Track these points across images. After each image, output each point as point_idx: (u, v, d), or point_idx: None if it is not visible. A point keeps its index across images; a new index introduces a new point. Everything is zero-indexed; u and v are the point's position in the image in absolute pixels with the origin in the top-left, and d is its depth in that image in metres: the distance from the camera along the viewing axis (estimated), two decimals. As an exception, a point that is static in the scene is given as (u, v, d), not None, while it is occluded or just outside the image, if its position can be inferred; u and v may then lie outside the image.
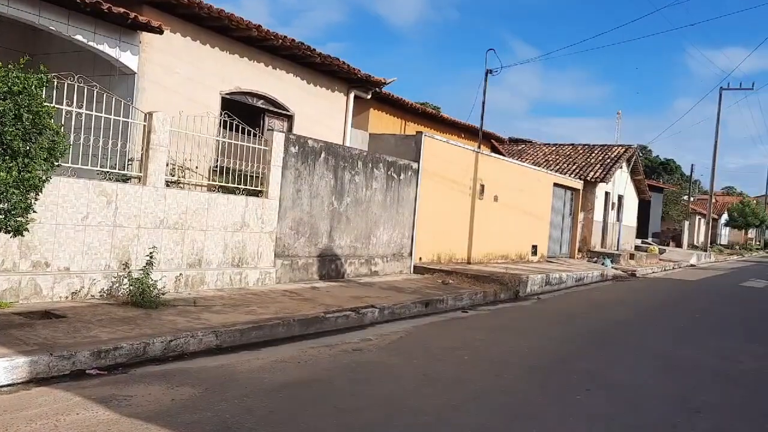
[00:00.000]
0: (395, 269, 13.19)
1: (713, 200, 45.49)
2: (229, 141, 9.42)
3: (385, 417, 4.72)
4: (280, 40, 11.11)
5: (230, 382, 5.26)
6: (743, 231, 68.12)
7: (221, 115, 9.49)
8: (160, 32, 8.93)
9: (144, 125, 8.09)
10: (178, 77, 9.96)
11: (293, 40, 11.33)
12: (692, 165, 63.07)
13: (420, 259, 13.98)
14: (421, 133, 13.88)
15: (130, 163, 8.24)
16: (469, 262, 15.86)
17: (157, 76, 9.58)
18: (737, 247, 61.12)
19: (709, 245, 44.77)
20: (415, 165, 13.55)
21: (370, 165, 12.24)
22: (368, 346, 7.11)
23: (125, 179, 8.13)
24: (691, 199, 54.93)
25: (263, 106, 11.91)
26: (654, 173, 71.85)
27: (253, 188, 9.78)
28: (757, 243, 72.75)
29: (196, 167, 9.05)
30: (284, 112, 12.33)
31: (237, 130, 9.39)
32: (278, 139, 10.10)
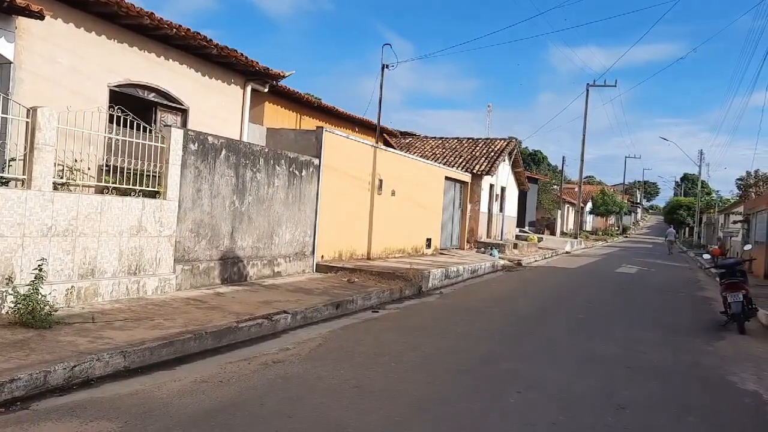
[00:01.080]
0: (298, 269, 12.83)
1: (578, 189, 48.59)
2: (123, 138, 8.64)
3: (331, 440, 4.47)
4: (174, 29, 10.36)
5: (151, 412, 4.77)
6: (605, 218, 73.69)
7: (112, 109, 8.66)
8: (41, 17, 7.98)
9: (27, 122, 7.19)
10: (61, 68, 8.99)
11: (188, 29, 10.60)
12: (563, 157, 67.30)
13: (322, 257, 13.70)
14: (322, 128, 13.57)
15: (10, 164, 7.31)
16: (369, 258, 15.79)
17: (37, 67, 8.59)
18: (600, 232, 65.86)
19: (578, 232, 47.92)
20: (316, 161, 13.22)
21: (272, 162, 11.78)
22: (289, 357, 6.79)
23: (5, 182, 7.21)
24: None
25: (155, 100, 11.08)
26: (524, 164, 75.91)
27: (150, 189, 9.06)
28: (616, 228, 78.90)
29: (89, 168, 8.22)
30: (178, 106, 11.56)
31: (130, 126, 8.63)
32: (176, 136, 9.43)
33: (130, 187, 8.76)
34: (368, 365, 6.64)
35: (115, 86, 10.07)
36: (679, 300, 15.02)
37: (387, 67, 16.60)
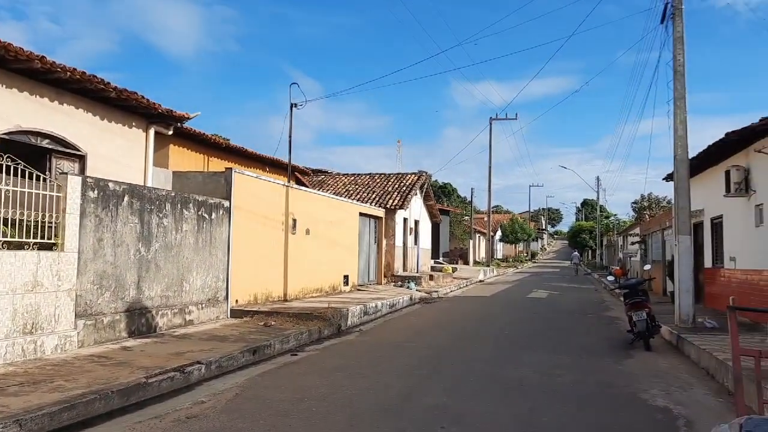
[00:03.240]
0: (211, 316, 12.37)
1: (487, 219, 50.08)
2: (13, 188, 8.09)
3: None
4: (69, 73, 9.91)
5: (52, 486, 4.37)
6: (514, 245, 76.19)
7: (0, 158, 8.11)
8: None
9: None
10: (-59, 115, 8.37)
11: (84, 72, 10.17)
12: (472, 189, 69.42)
13: (237, 301, 13.29)
14: (231, 169, 13.29)
15: None
16: (286, 299, 15.47)
17: None
18: (511, 260, 67.96)
19: (490, 260, 49.20)
20: (226, 203, 12.91)
21: (179, 206, 11.38)
22: (204, 411, 6.46)
23: None
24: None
25: (50, 147, 10.50)
26: (435, 196, 77.53)
27: (46, 241, 8.50)
28: (526, 255, 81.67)
29: (-25, 222, 7.62)
30: (75, 152, 11.00)
31: (22, 176, 8.11)
32: (73, 184, 8.94)
33: (24, 240, 8.19)
34: (288, 412, 6.42)
35: (4, 134, 9.47)
36: (588, 321, 15.59)
37: (295, 106, 16.52)
